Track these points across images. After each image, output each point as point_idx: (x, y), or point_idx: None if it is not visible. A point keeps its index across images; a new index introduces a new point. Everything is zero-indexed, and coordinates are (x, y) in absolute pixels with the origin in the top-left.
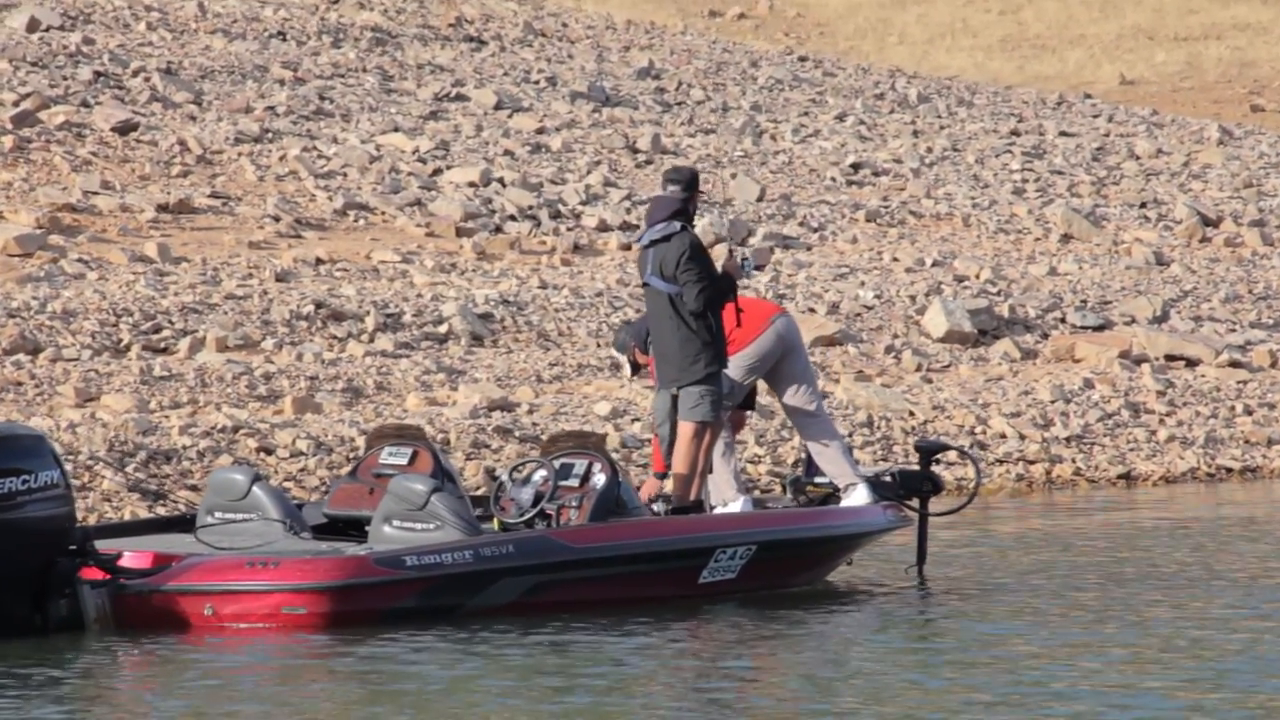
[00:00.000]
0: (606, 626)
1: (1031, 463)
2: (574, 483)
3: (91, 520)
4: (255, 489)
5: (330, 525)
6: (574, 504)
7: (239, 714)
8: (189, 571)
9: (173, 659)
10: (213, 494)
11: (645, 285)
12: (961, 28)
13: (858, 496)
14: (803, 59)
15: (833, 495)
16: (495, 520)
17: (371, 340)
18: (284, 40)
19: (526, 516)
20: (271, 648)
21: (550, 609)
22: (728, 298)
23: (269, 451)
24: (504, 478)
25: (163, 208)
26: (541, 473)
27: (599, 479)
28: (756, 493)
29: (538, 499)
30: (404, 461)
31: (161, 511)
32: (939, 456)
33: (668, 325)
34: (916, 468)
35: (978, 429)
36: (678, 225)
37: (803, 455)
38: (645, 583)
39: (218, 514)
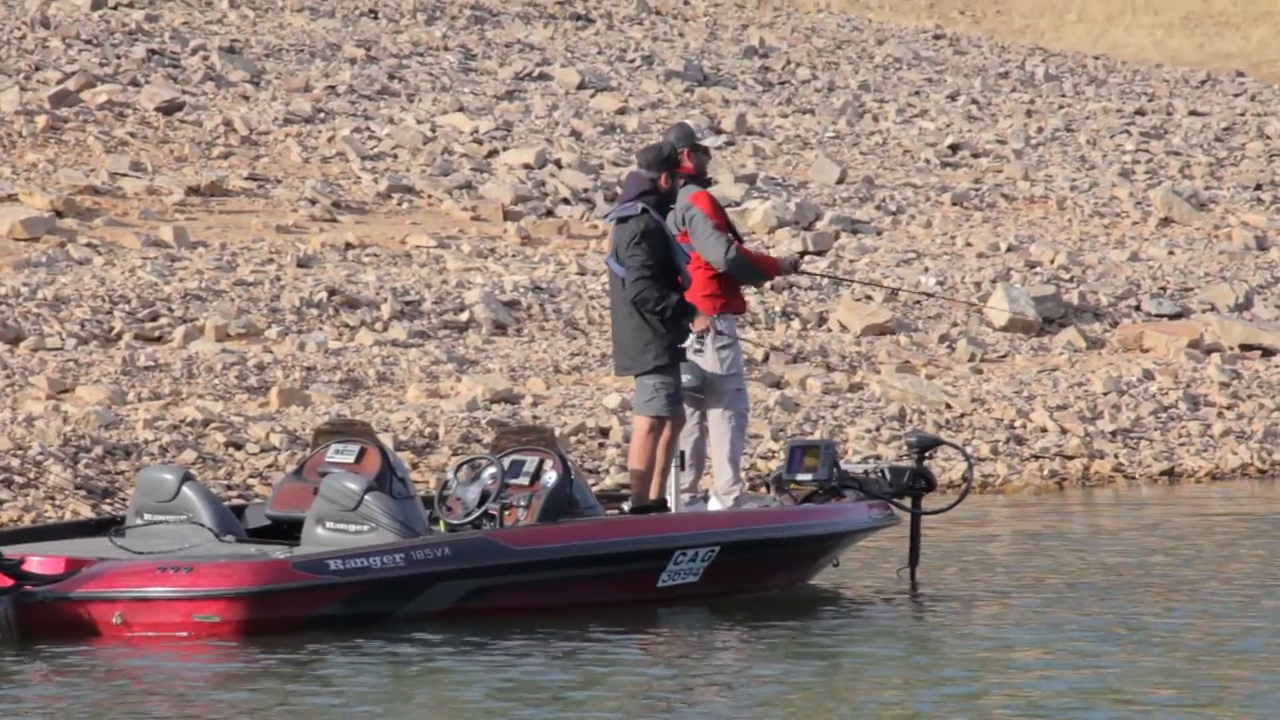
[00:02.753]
0: (564, 633)
1: (1069, 458)
2: (524, 481)
3: (28, 520)
4: (185, 489)
5: (274, 527)
6: (522, 503)
7: None
8: (97, 578)
9: (75, 668)
10: (141, 494)
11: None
12: (1144, 5)
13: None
14: (938, 36)
15: (817, 493)
16: (441, 522)
17: (385, 329)
18: (375, 18)
19: (472, 517)
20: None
21: (493, 615)
22: (666, 297)
23: (238, 446)
24: (450, 476)
25: (193, 190)
26: (490, 470)
27: (550, 477)
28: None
29: (484, 498)
30: (350, 459)
31: (108, 510)
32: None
33: (622, 310)
34: (908, 464)
35: (1017, 422)
36: (639, 207)
37: (783, 453)
38: (598, 587)
39: (146, 515)
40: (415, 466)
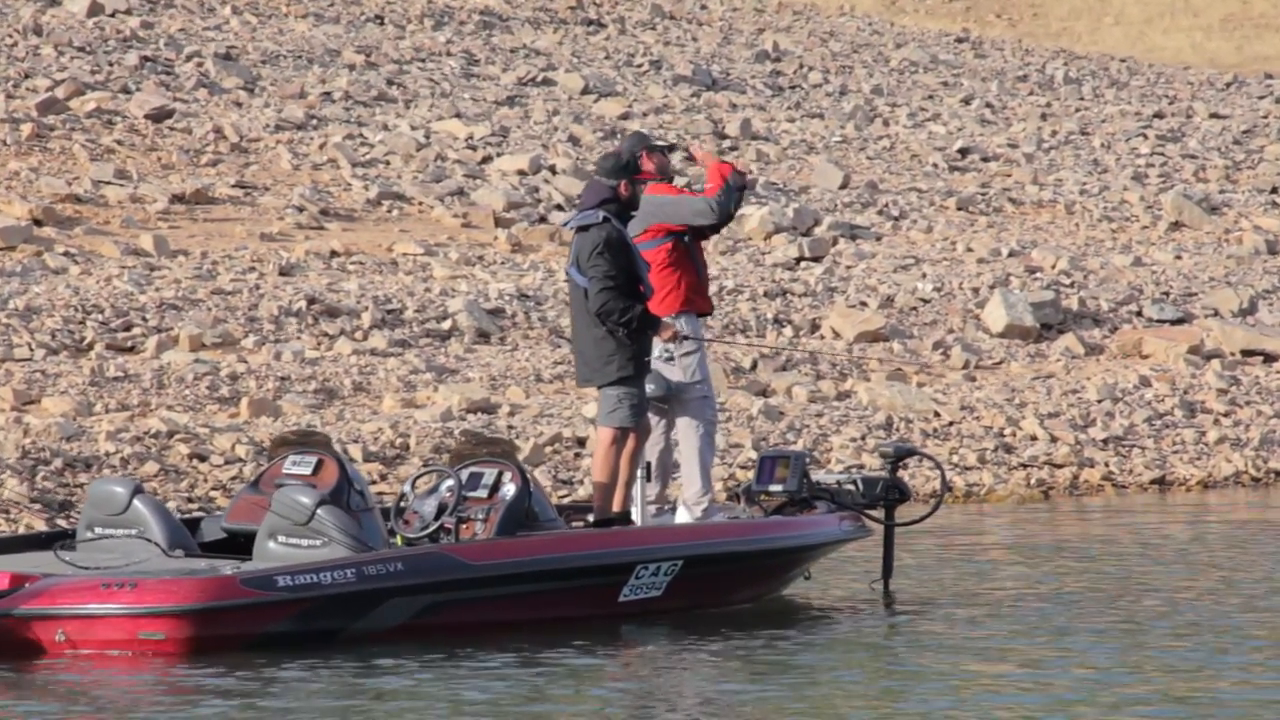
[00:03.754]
0: (524, 648)
1: (1058, 466)
2: (482, 494)
3: None
4: (136, 502)
5: (230, 540)
6: (480, 516)
7: None
8: (40, 595)
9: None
10: (91, 507)
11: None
12: (1183, 7)
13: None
14: (960, 40)
15: (787, 505)
16: (398, 535)
17: (365, 338)
18: (381, 24)
19: (428, 530)
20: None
21: (450, 631)
22: (631, 308)
23: (202, 458)
24: (406, 489)
25: (177, 198)
26: (448, 483)
27: (508, 490)
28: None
29: (441, 511)
30: (308, 471)
31: (64, 524)
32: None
33: (583, 321)
34: (881, 474)
35: (1006, 430)
36: (600, 215)
37: (754, 462)
38: (557, 602)
39: (97, 528)
40: (384, 478)
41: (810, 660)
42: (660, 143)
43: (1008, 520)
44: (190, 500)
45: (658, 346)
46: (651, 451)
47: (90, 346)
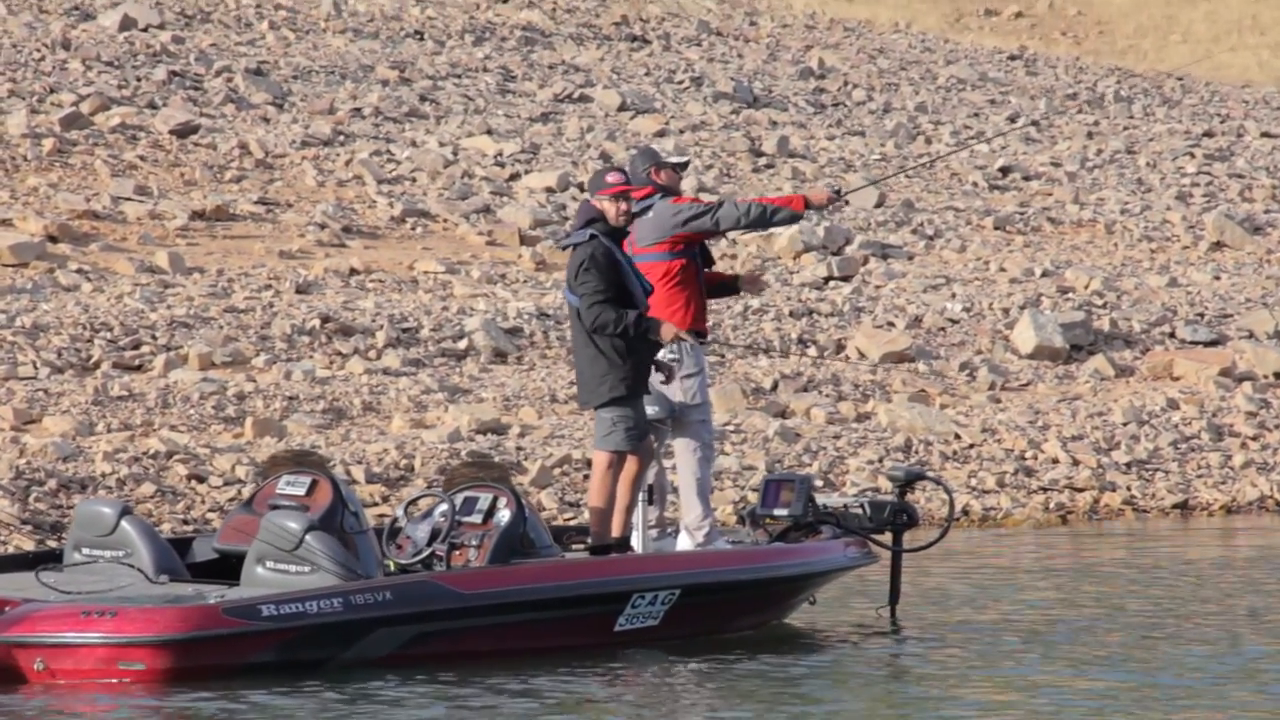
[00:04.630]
0: (519, 674)
1: (1079, 490)
2: (477, 519)
3: None
4: (124, 523)
5: (222, 561)
6: (474, 543)
7: None
8: (19, 622)
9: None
10: (79, 528)
11: None
12: (1250, 24)
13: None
14: (1013, 57)
15: (793, 529)
16: (390, 560)
17: (378, 357)
18: (421, 39)
19: (421, 556)
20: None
21: (443, 661)
22: (624, 316)
23: (200, 479)
24: (399, 513)
25: (198, 214)
26: (442, 508)
27: (503, 515)
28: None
29: (434, 536)
30: (302, 492)
31: (54, 545)
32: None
33: (579, 340)
34: (890, 498)
35: (1028, 453)
36: (588, 234)
37: (759, 487)
38: (552, 631)
39: (85, 550)
40: (387, 500)
41: (813, 689)
42: (673, 159)
43: (1022, 545)
44: (186, 522)
45: (664, 352)
46: (649, 474)
47: (97, 365)
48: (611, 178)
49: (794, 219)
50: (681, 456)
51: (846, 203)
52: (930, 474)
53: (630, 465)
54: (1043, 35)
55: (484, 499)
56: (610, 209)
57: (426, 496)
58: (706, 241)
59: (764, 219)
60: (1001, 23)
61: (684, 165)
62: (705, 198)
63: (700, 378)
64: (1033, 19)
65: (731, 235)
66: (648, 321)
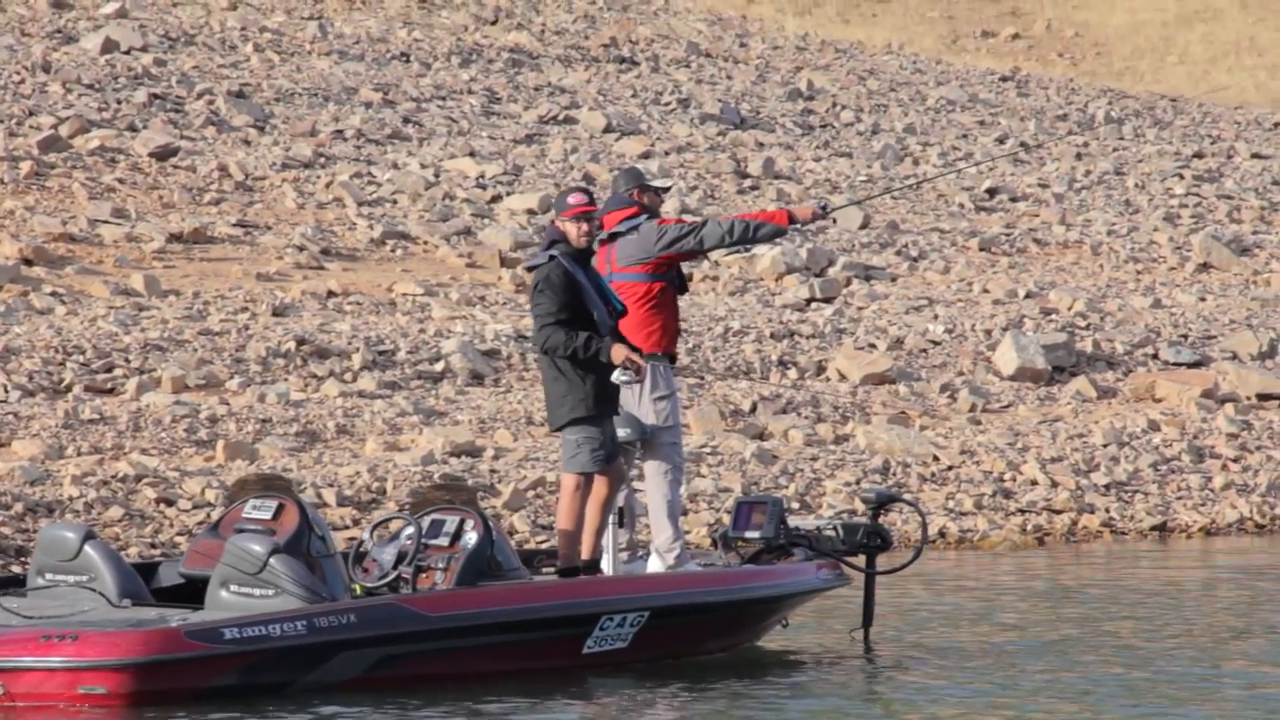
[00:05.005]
0: (486, 695)
1: (1057, 512)
2: (444, 542)
3: None
4: (87, 548)
5: (188, 585)
6: (441, 565)
7: None
8: None
9: None
10: (42, 553)
11: None
12: (1248, 46)
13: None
14: (1005, 79)
15: (765, 552)
16: (356, 584)
17: (354, 379)
18: (407, 61)
19: (387, 579)
20: None
21: (409, 684)
22: (574, 337)
23: (169, 503)
24: (365, 536)
25: (175, 237)
26: (409, 530)
27: (470, 538)
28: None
29: (400, 559)
30: (268, 516)
31: (17, 570)
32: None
33: (543, 361)
34: (863, 520)
35: (1006, 475)
36: (547, 255)
37: (730, 508)
38: (519, 654)
39: (47, 575)
40: (357, 523)
41: (784, 712)
42: (656, 183)
43: (997, 567)
44: (153, 546)
45: (616, 373)
46: (620, 496)
47: (69, 388)
48: (574, 199)
49: (778, 234)
50: (652, 479)
51: (834, 220)
52: (904, 496)
53: (599, 487)
54: (1039, 57)
55: (451, 521)
56: (572, 230)
57: (393, 519)
58: (685, 265)
59: (747, 235)
60: (998, 44)
61: (666, 190)
62: (689, 218)
63: (672, 400)
64: (1030, 40)
65: (714, 256)
66: (598, 343)
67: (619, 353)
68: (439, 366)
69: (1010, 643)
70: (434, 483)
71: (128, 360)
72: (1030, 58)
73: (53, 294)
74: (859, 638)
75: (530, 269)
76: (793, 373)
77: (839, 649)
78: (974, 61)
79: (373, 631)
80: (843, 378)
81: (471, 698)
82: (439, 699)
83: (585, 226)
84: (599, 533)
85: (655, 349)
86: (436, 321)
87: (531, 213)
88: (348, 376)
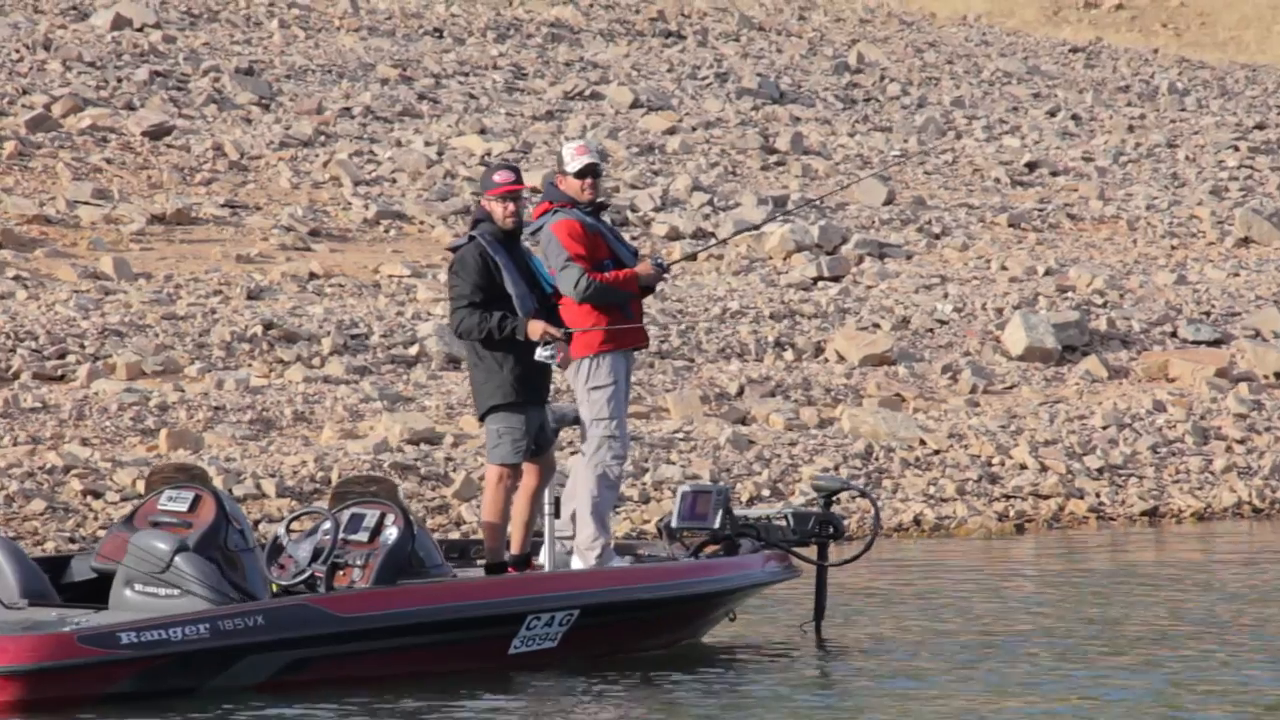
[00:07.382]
0: (411, 695)
1: (1044, 498)
2: (363, 537)
3: None
4: None
5: (101, 580)
6: (359, 563)
7: None
8: None
9: None
10: None
11: None
12: None
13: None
14: (1076, 50)
15: (711, 543)
16: (273, 582)
17: (322, 364)
18: (440, 37)
19: (303, 576)
20: None
21: (323, 686)
22: (486, 319)
23: (97, 495)
24: (280, 531)
25: (157, 218)
26: (325, 525)
27: (390, 534)
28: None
29: (317, 556)
30: (184, 508)
31: None
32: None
33: (465, 347)
34: (814, 510)
35: (995, 459)
36: (469, 237)
37: (674, 499)
38: (441, 655)
39: None
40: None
41: (735, 710)
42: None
43: (967, 556)
44: (72, 540)
45: (539, 351)
46: (557, 488)
47: (16, 375)
48: (499, 176)
49: (631, 297)
50: (580, 473)
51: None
52: (855, 485)
53: (528, 479)
54: (1143, 27)
55: (371, 516)
56: (498, 209)
57: (309, 514)
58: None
59: (600, 296)
60: (1101, 15)
61: (586, 171)
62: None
63: (612, 389)
64: (1134, 11)
65: (720, 235)
66: (513, 321)
67: (535, 328)
68: (413, 350)
69: (964, 633)
70: (354, 475)
71: (82, 346)
72: (1133, 28)
73: (15, 278)
74: (810, 631)
75: (453, 249)
76: (789, 354)
77: (790, 643)
78: (1072, 35)
79: (281, 634)
80: (841, 359)
81: (390, 698)
82: (359, 697)
83: (511, 206)
84: (528, 526)
85: (599, 349)
86: (419, 304)
87: (535, 191)
88: (315, 361)
